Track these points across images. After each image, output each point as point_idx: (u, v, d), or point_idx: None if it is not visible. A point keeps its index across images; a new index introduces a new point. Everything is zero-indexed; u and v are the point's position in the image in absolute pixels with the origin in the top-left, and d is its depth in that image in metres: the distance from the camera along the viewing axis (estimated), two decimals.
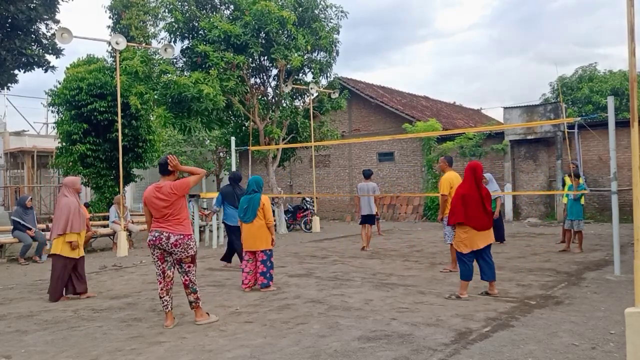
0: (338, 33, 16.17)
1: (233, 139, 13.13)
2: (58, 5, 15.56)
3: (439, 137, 18.67)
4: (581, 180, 10.05)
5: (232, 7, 15.21)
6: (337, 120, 22.10)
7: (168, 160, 5.26)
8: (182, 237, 5.20)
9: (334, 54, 16.16)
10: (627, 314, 3.67)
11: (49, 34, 15.95)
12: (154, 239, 5.23)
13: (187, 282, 5.31)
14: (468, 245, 6.11)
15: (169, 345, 4.62)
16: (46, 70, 16.41)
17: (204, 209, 15.81)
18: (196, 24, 14.67)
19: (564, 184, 11.16)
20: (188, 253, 5.25)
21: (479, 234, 6.08)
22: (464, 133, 18.04)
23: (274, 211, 12.03)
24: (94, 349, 4.55)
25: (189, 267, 5.30)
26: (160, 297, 5.31)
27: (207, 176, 14.35)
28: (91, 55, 15.36)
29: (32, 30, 15.48)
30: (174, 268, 5.37)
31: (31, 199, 11.09)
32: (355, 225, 18.69)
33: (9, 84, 16.48)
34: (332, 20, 16.09)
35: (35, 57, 15.85)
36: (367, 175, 11.32)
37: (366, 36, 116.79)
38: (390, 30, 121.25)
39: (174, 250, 5.21)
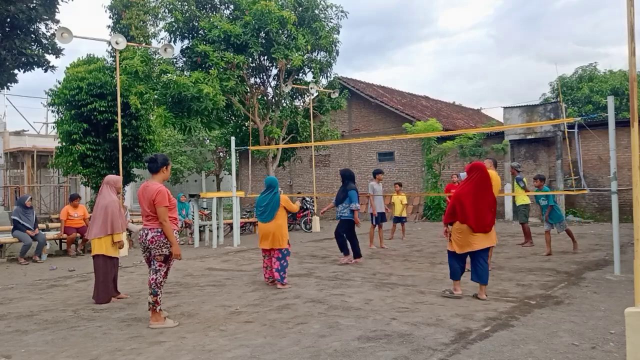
0: (338, 33, 16.20)
1: (233, 138, 13.11)
2: (58, 5, 15.57)
3: (439, 137, 18.68)
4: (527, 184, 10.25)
5: (232, 7, 15.21)
6: (337, 120, 22.10)
7: None
8: (158, 234, 5.13)
9: (334, 53, 16.17)
10: (627, 313, 3.67)
11: (49, 34, 15.96)
12: (139, 237, 5.29)
13: (151, 282, 5.20)
14: (462, 245, 5.97)
15: (169, 345, 4.62)
16: (46, 70, 16.42)
17: (204, 208, 15.80)
18: (196, 24, 14.67)
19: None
20: (162, 251, 5.15)
21: (475, 235, 5.91)
22: (464, 133, 18.04)
23: None
24: (94, 349, 4.54)
25: (160, 266, 5.21)
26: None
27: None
28: (91, 55, 15.34)
29: (32, 30, 15.49)
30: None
31: (31, 198, 11.08)
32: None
33: (9, 84, 16.48)
34: (332, 20, 16.12)
35: (35, 56, 15.84)
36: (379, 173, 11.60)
37: (369, 36, 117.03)
38: (393, 29, 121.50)
39: (150, 247, 5.18)
